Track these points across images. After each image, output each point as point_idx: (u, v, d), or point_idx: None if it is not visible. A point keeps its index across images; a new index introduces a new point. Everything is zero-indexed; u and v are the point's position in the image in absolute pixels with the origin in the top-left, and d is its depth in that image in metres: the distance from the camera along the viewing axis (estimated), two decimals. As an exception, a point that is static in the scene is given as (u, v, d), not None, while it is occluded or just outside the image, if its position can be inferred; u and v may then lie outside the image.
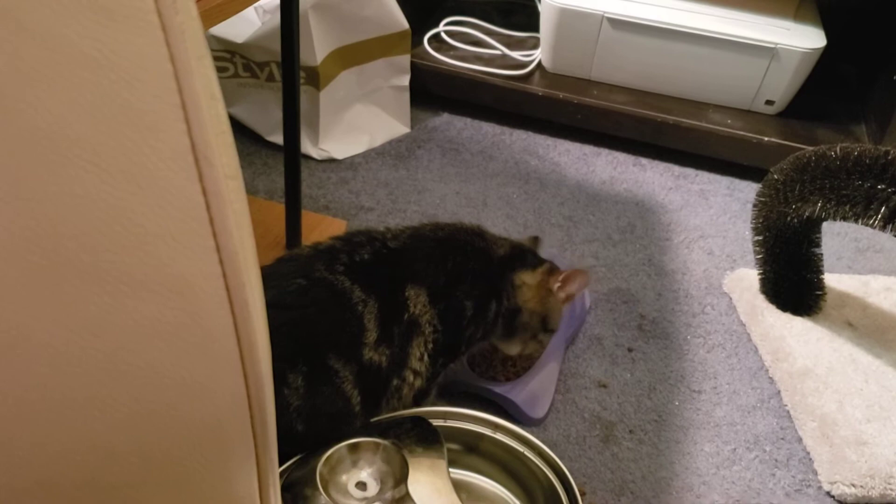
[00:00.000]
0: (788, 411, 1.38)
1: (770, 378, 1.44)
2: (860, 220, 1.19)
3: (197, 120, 0.37)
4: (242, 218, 0.42)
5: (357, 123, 1.89)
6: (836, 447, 1.26)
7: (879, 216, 1.16)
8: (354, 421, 1.11)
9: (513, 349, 1.30)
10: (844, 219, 1.22)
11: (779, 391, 1.41)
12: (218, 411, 0.45)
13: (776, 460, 1.31)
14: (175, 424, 0.44)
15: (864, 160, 1.18)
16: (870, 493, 1.24)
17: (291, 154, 1.36)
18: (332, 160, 1.86)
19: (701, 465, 1.28)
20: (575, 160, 1.96)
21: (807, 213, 1.28)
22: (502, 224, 1.72)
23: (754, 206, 1.44)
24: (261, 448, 0.52)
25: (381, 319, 1.09)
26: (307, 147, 1.84)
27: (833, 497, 1.25)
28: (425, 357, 1.15)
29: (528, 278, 1.24)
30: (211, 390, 0.44)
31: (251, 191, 1.72)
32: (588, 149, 2.00)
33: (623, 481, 1.24)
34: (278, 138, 1.84)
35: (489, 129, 2.03)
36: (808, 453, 1.30)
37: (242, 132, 1.88)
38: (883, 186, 1.15)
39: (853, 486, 1.24)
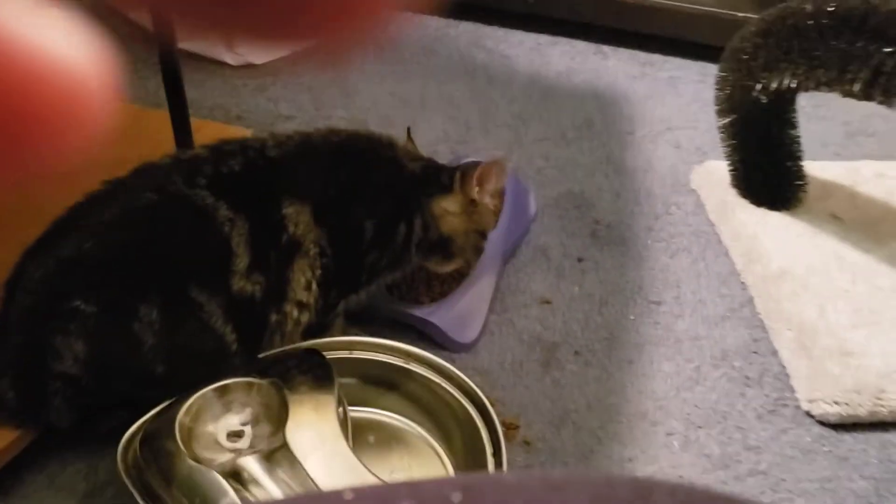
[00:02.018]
0: (762, 320, 1.20)
1: (742, 283, 1.26)
2: (836, 88, 0.98)
3: None
4: None
5: (277, 22, 1.67)
6: (817, 359, 1.10)
7: (859, 81, 0.95)
8: (231, 360, 0.94)
9: (448, 268, 1.12)
10: (818, 88, 1.01)
11: (751, 298, 1.23)
12: None
13: (747, 377, 1.13)
14: None
15: (838, 14, 0.97)
16: (856, 412, 1.07)
17: (166, 47, 1.16)
18: (250, 65, 1.65)
19: (658, 387, 1.11)
20: (527, 52, 1.75)
21: (775, 85, 1.08)
22: (442, 126, 1.53)
23: (716, 84, 1.23)
24: None
25: (252, 242, 0.92)
26: (219, 51, 1.64)
27: (812, 417, 1.08)
28: (313, 286, 0.97)
29: (449, 205, 1.06)
30: None
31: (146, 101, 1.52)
32: (543, 38, 1.78)
33: (565, 411, 1.07)
34: (187, 43, 1.63)
35: (432, 23, 1.82)
36: (784, 367, 1.15)
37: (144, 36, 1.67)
38: (862, 43, 0.94)
39: (836, 403, 1.07)
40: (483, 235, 1.12)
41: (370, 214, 1.01)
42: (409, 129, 1.15)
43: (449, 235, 1.07)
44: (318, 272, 0.97)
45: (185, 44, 1.62)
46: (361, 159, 1.02)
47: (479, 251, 1.14)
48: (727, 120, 1.25)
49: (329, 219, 0.96)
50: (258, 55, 1.66)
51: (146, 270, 0.89)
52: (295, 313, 0.97)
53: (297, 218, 0.94)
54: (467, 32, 1.80)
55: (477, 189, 1.05)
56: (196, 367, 0.92)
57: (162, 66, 1.22)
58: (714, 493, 0.25)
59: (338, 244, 0.98)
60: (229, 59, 1.64)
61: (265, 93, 1.59)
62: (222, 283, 0.91)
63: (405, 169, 1.05)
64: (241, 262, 0.91)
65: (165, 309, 0.88)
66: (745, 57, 1.12)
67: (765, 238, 1.26)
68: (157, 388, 0.89)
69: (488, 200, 1.08)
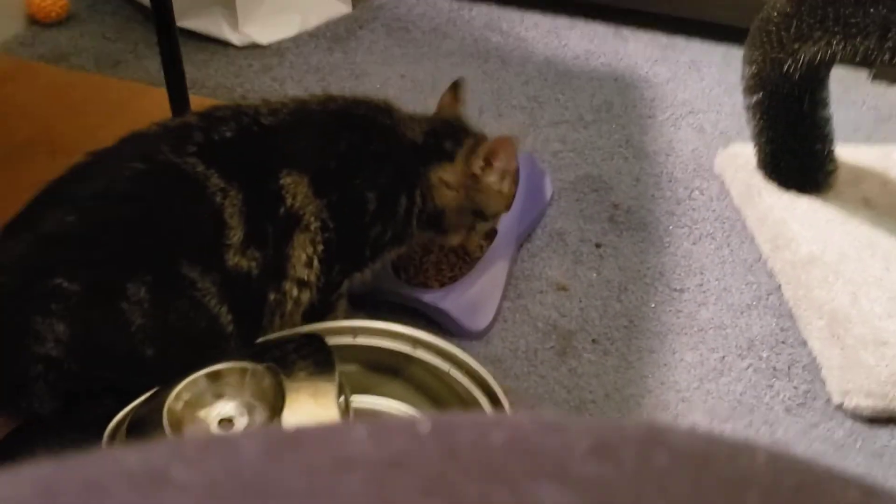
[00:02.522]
0: (790, 309, 1.14)
1: (768, 271, 1.19)
2: (876, 57, 0.91)
3: None
4: None
5: (285, 1, 1.62)
6: (849, 349, 1.03)
7: (900, 49, 0.88)
8: (226, 343, 0.88)
9: (453, 241, 1.06)
10: (854, 58, 0.94)
11: (779, 286, 1.16)
12: None
13: (775, 368, 1.07)
14: None
15: (879, -24, 0.90)
16: (891, 405, 1.00)
17: (164, 23, 1.11)
18: (255, 46, 1.60)
19: (680, 377, 1.05)
20: (544, 34, 1.68)
21: (807, 58, 1.01)
22: (454, 109, 1.46)
23: (744, 58, 1.17)
24: None
25: (247, 214, 0.86)
26: (224, 31, 1.58)
27: (845, 410, 1.02)
28: (314, 262, 0.91)
29: (446, 175, 1.00)
30: None
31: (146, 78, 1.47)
32: (561, 21, 1.72)
33: (581, 401, 1.01)
34: (190, 22, 1.58)
35: (445, 5, 1.75)
36: (815, 358, 1.09)
37: (148, 17, 1.62)
38: (905, 8, 0.88)
39: (870, 395, 1.01)
40: (481, 216, 1.04)
41: (371, 185, 0.95)
42: (456, 83, 1.10)
43: (441, 209, 1.01)
44: (320, 247, 0.91)
45: (189, 23, 1.57)
46: (361, 128, 0.97)
47: (482, 234, 1.09)
48: (754, 98, 1.18)
49: (329, 190, 0.91)
50: (264, 35, 1.60)
51: (134, 245, 0.83)
52: (295, 292, 0.91)
53: (296, 189, 0.89)
54: (482, 15, 1.73)
55: (482, 165, 0.99)
56: (188, 350, 0.86)
57: (159, 41, 1.17)
58: (732, 440, 0.20)
59: (339, 217, 0.92)
60: (234, 39, 1.59)
61: (270, 73, 1.53)
62: (216, 259, 0.85)
63: (405, 137, 0.99)
64: (236, 234, 0.85)
65: (155, 286, 0.82)
66: (775, 28, 1.05)
67: (793, 223, 1.20)
68: (145, 372, 0.84)
69: (493, 180, 1.01)
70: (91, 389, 0.85)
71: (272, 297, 0.90)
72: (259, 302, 0.89)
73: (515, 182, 1.08)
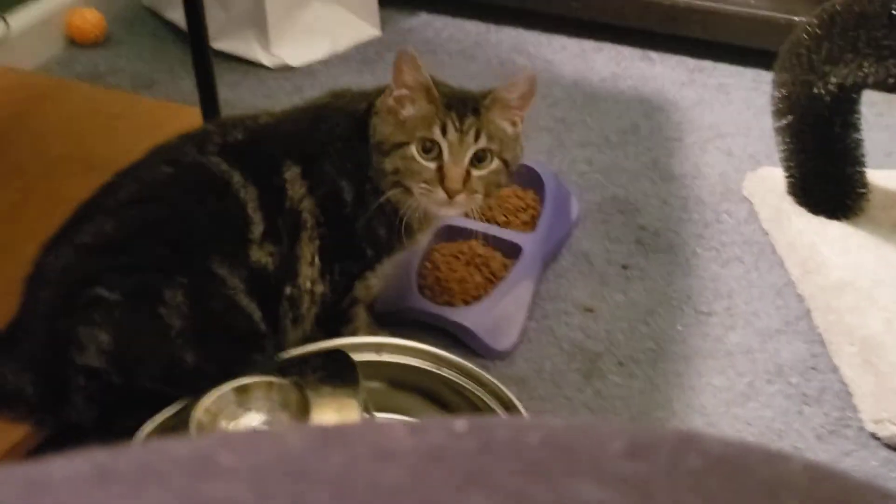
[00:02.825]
0: (820, 334, 1.12)
1: (798, 295, 1.18)
2: (908, 80, 0.90)
3: None
4: None
5: (316, 24, 1.65)
6: (883, 376, 1.02)
7: (934, 72, 0.88)
8: (264, 344, 0.89)
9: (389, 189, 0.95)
10: (886, 81, 0.94)
11: (809, 310, 1.15)
12: None
13: (805, 395, 1.05)
14: None
15: (912, -1, 0.90)
16: (926, 434, 0.98)
17: (198, 44, 1.13)
18: (286, 67, 1.62)
19: (708, 402, 1.04)
20: (571, 57, 1.69)
21: (838, 80, 1.00)
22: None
23: (774, 81, 1.16)
24: None
25: (264, 209, 0.89)
26: (257, 53, 1.61)
27: (878, 439, 1.01)
28: (316, 260, 0.92)
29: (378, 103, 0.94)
30: None
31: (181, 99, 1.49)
32: (588, 44, 1.72)
33: (607, 424, 1.00)
34: (223, 44, 1.60)
35: (472, 28, 1.77)
36: (846, 385, 1.07)
37: (183, 39, 1.65)
38: (938, 31, 0.87)
39: (904, 424, 0.98)
40: (421, 149, 0.90)
41: (341, 172, 0.93)
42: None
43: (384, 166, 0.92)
44: (317, 243, 0.92)
45: (222, 44, 1.59)
46: (335, 115, 0.97)
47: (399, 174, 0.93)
48: (784, 121, 1.17)
49: (314, 183, 0.92)
50: (295, 57, 1.62)
51: (167, 247, 0.85)
52: (308, 285, 0.92)
53: (294, 182, 0.91)
54: (509, 38, 1.74)
55: (391, 96, 0.92)
56: (228, 351, 0.87)
57: (194, 62, 1.19)
58: (764, 448, 0.20)
59: (326, 211, 0.92)
60: (266, 60, 1.61)
61: (301, 94, 1.55)
62: (242, 255, 0.87)
63: (357, 113, 0.96)
64: (257, 229, 0.88)
65: (190, 288, 0.84)
66: (805, 50, 1.05)
67: (824, 248, 1.18)
68: (184, 381, 0.84)
69: (392, 103, 0.92)
70: (130, 400, 0.85)
71: (288, 290, 0.90)
72: (276, 300, 0.90)
73: (430, 99, 0.92)
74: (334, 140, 0.93)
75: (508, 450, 0.18)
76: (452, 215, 0.99)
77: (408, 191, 0.92)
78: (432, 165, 0.90)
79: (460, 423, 0.19)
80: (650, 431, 0.20)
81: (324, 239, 0.91)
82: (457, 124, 0.90)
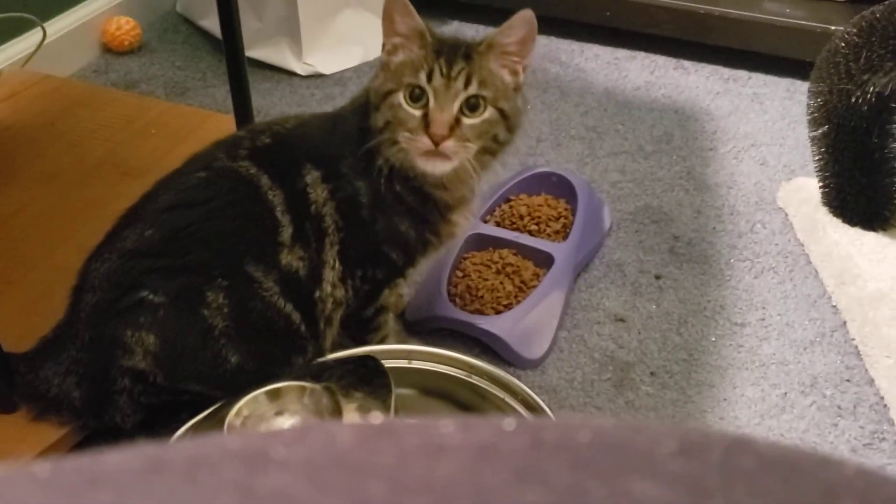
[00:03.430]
0: (856, 346, 1.10)
1: (833, 307, 1.16)
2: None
3: None
4: None
5: (348, 33, 1.65)
6: (920, 390, 0.98)
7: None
8: (304, 344, 0.90)
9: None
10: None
11: (844, 322, 1.13)
12: None
13: (839, 407, 1.04)
14: None
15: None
16: (965, 449, 0.96)
17: (233, 52, 1.14)
18: (318, 75, 1.63)
19: (741, 413, 1.02)
20: (604, 66, 1.68)
21: (877, 89, 0.99)
22: (512, 138, 1.47)
23: (810, 90, 1.15)
24: None
25: (291, 212, 0.89)
26: (289, 61, 1.62)
27: (915, 453, 0.98)
28: (337, 265, 0.92)
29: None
30: None
31: (220, 107, 1.50)
32: (621, 53, 1.72)
33: (638, 434, 0.99)
34: (257, 52, 1.62)
35: (504, 37, 1.76)
36: (882, 398, 1.05)
37: (217, 47, 1.67)
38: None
39: (942, 438, 0.96)
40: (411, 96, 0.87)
41: (356, 173, 0.91)
42: None
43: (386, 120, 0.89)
44: (337, 248, 0.91)
45: (256, 52, 1.61)
46: (352, 117, 0.94)
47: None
48: (820, 131, 1.16)
49: (334, 187, 0.91)
50: (327, 65, 1.64)
51: (206, 249, 0.86)
52: (328, 289, 0.92)
53: (315, 186, 0.91)
54: (540, 46, 1.74)
55: (386, 49, 0.91)
56: (269, 351, 0.88)
57: (228, 70, 1.20)
58: (816, 451, 0.20)
59: (345, 214, 0.91)
60: (298, 68, 1.62)
61: (332, 101, 1.56)
62: (273, 258, 0.88)
63: (366, 107, 0.92)
64: (286, 231, 0.88)
65: (231, 290, 0.86)
66: (843, 59, 1.03)
67: (860, 259, 1.17)
68: (228, 382, 0.85)
69: (385, 57, 0.91)
70: (171, 403, 0.86)
71: (316, 293, 0.91)
72: (312, 305, 0.91)
73: (423, 45, 0.89)
74: (349, 142, 0.92)
75: (559, 447, 0.18)
76: (445, 170, 0.89)
77: (401, 148, 0.88)
78: (418, 113, 0.86)
79: (509, 422, 0.19)
80: (701, 432, 0.20)
81: (343, 243, 0.92)
82: (444, 69, 0.85)
